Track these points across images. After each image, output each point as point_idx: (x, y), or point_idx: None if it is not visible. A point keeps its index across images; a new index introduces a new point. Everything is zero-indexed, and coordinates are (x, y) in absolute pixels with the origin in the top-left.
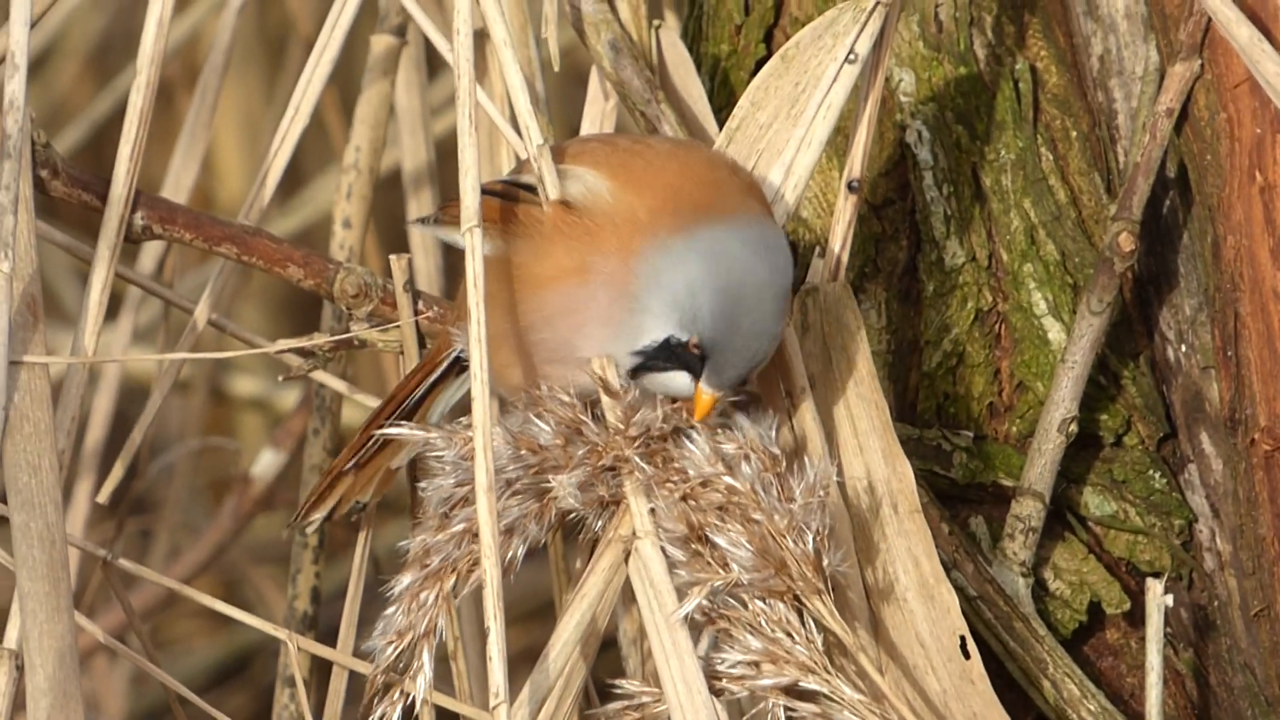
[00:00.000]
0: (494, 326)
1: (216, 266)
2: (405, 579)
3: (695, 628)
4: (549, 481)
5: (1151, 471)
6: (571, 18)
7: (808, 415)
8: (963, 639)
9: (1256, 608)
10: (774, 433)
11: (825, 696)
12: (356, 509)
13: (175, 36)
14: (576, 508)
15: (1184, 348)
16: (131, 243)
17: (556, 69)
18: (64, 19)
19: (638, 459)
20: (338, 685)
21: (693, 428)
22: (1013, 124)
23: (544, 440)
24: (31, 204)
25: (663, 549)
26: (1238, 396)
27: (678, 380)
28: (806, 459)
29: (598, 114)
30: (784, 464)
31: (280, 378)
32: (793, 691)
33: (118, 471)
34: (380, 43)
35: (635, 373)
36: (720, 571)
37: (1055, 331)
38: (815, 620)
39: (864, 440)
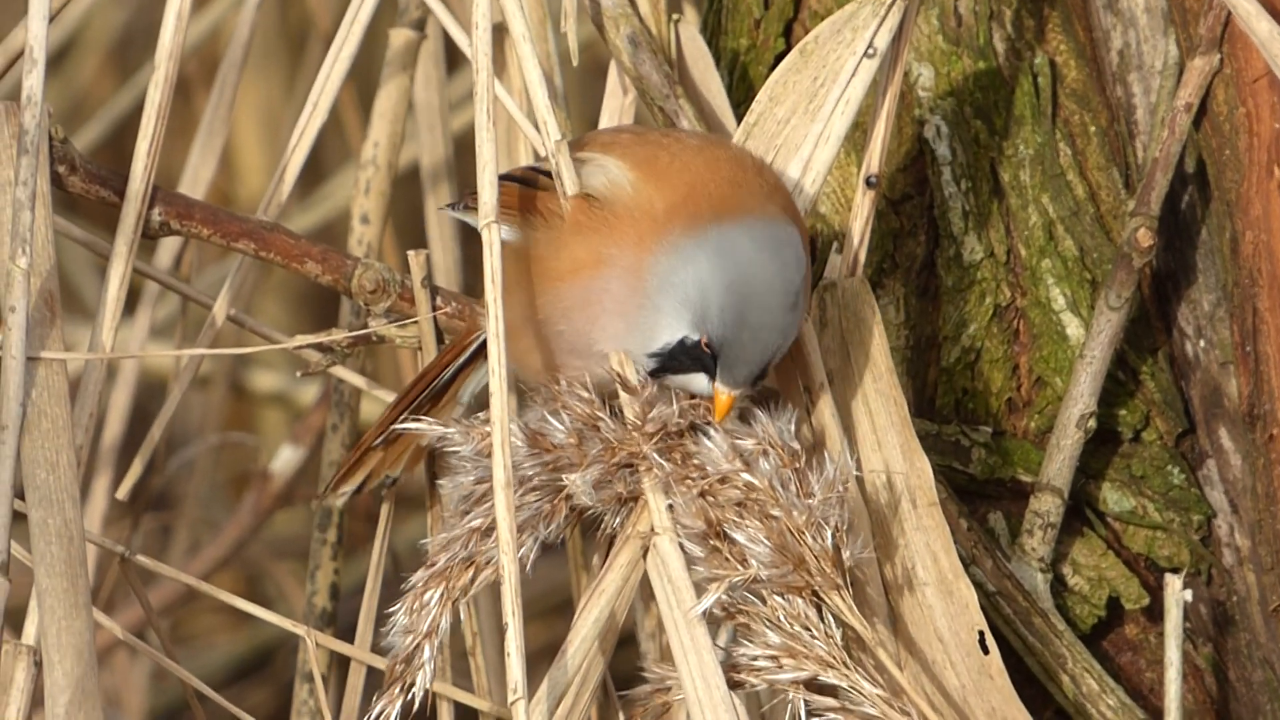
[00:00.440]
0: (514, 315)
1: (235, 262)
2: (416, 577)
3: (714, 622)
4: (564, 479)
5: (1170, 467)
6: (591, 12)
7: (826, 411)
8: (981, 634)
9: (1275, 603)
10: (793, 428)
11: (844, 691)
12: (386, 483)
13: (195, 32)
14: (592, 505)
15: (1202, 343)
16: (149, 238)
17: (575, 63)
18: (84, 13)
19: (655, 455)
20: (356, 681)
21: (708, 423)
22: (1031, 119)
23: (558, 438)
24: (49, 200)
25: (681, 545)
26: (1256, 392)
27: (697, 381)
28: (825, 454)
29: (616, 108)
30: (803, 459)
31: (299, 373)
32: (812, 686)
33: (136, 467)
34: (399, 37)
35: (655, 374)
36: (739, 567)
37: (1074, 327)
38: (834, 615)
39: (882, 436)
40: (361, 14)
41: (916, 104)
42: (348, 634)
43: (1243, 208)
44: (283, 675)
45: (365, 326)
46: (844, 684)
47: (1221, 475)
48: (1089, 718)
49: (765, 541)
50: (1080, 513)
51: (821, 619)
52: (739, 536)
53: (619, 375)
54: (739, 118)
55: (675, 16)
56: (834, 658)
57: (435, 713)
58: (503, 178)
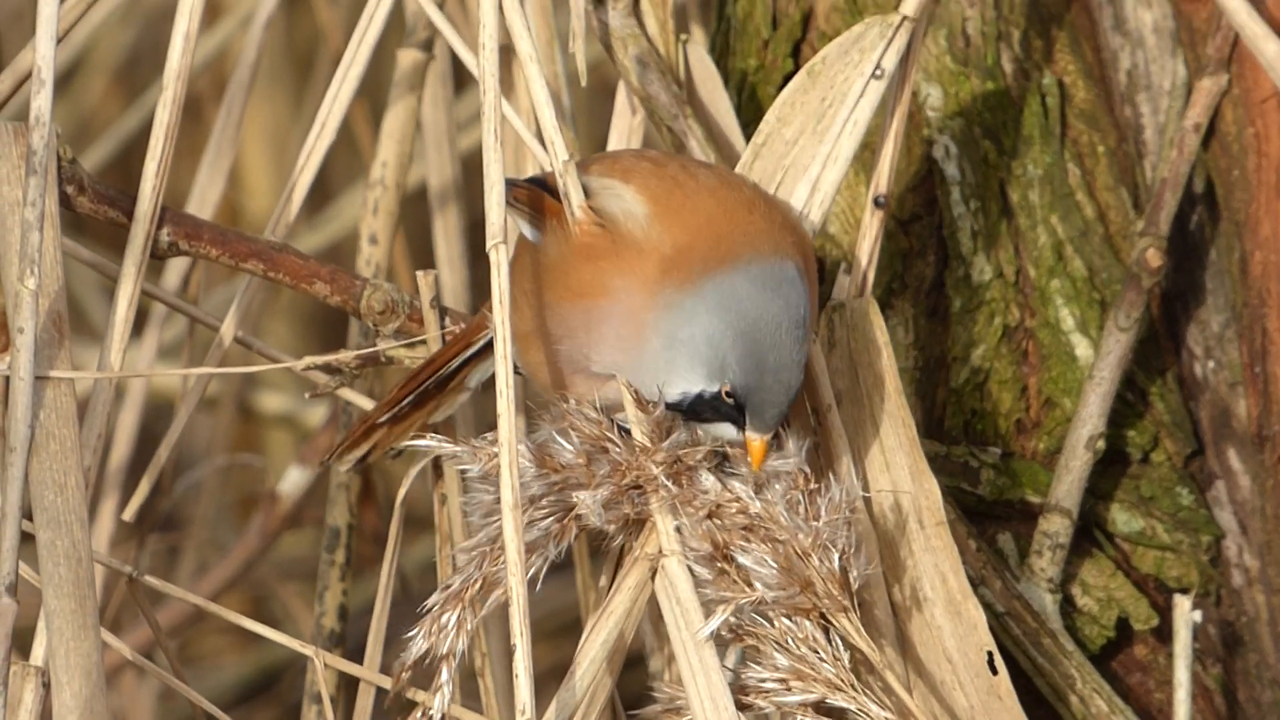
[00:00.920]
0: (524, 325)
1: (243, 282)
2: (431, 599)
3: (722, 644)
4: (573, 498)
5: (1179, 488)
6: (599, 32)
7: (834, 432)
8: (990, 655)
9: None
10: (803, 450)
11: (853, 714)
12: (392, 454)
13: (202, 52)
14: (601, 525)
15: (1211, 364)
16: (157, 259)
17: (584, 83)
18: (91, 34)
19: (663, 478)
20: (365, 702)
21: (732, 469)
22: (1040, 139)
23: (567, 458)
24: (57, 220)
25: (689, 567)
26: (1265, 412)
27: (725, 430)
28: (832, 476)
29: (625, 129)
30: (813, 481)
31: (307, 394)
32: (820, 708)
33: (144, 488)
34: (407, 57)
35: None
36: (746, 589)
37: (1083, 348)
38: (842, 637)
39: (891, 457)
40: (369, 34)
41: (925, 124)
42: (356, 655)
43: (1251, 228)
44: (290, 696)
45: (373, 347)
46: (852, 706)
47: (1230, 496)
48: None
49: (771, 564)
50: (1089, 533)
51: (829, 641)
52: (745, 560)
53: (632, 393)
54: (747, 138)
55: (683, 37)
56: (842, 680)
57: None
58: (529, 180)
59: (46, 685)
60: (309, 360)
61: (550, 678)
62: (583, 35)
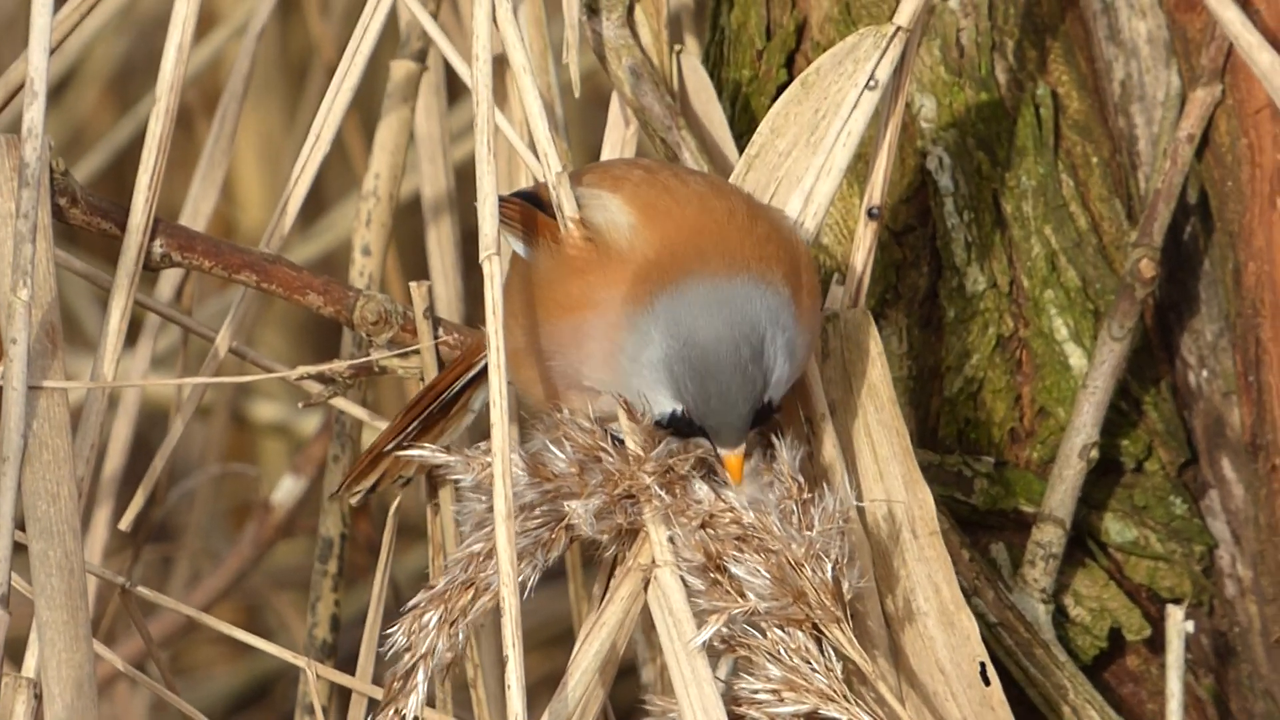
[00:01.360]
0: (516, 342)
1: (237, 293)
2: (416, 598)
3: (714, 655)
4: (565, 507)
5: (1172, 497)
6: (593, 43)
7: (828, 442)
8: (983, 665)
9: (1277, 634)
10: (797, 459)
11: None
12: (400, 482)
13: (195, 63)
14: (593, 535)
15: (1205, 373)
16: (150, 270)
17: (577, 94)
18: (84, 44)
19: (656, 488)
20: (357, 713)
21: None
22: (1034, 150)
23: (559, 467)
24: (50, 232)
25: (682, 578)
26: (1259, 422)
27: (708, 444)
28: (826, 486)
29: (618, 139)
30: (807, 491)
31: (300, 404)
32: (813, 719)
33: (138, 499)
34: (400, 68)
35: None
36: (739, 600)
37: (1076, 357)
38: (834, 648)
39: (884, 466)
40: (363, 45)
41: (919, 135)
42: (348, 665)
43: (1245, 239)
44: (283, 706)
45: (367, 357)
46: (845, 718)
47: (1224, 506)
48: None
49: (764, 574)
50: (1082, 543)
51: (822, 652)
52: (738, 570)
53: (623, 404)
54: (741, 149)
55: (677, 47)
56: (835, 691)
57: None
58: (519, 195)
59: (38, 697)
60: (302, 370)
61: (543, 688)
62: (576, 46)
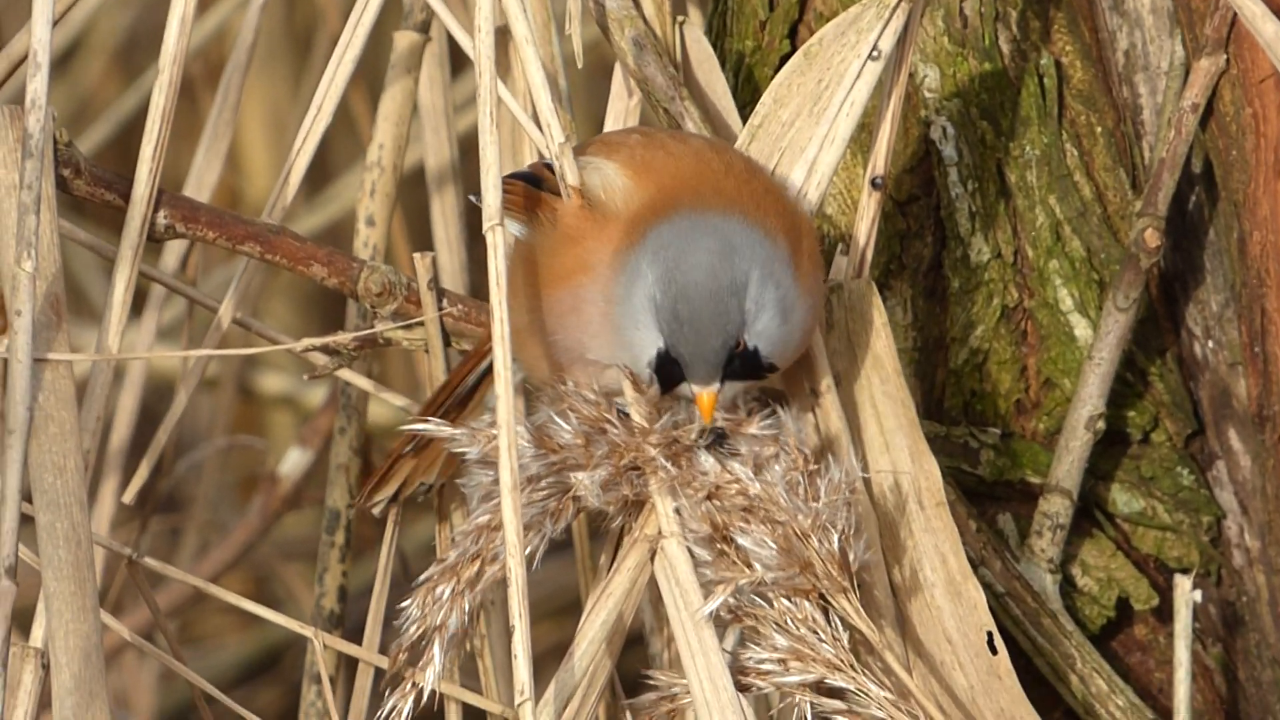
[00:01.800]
0: (520, 320)
1: (241, 264)
2: (429, 571)
3: (721, 625)
4: (571, 479)
5: (1179, 468)
6: (595, 14)
7: (833, 413)
8: (990, 635)
9: None
10: (802, 430)
11: (852, 694)
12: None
13: (199, 35)
14: (600, 506)
15: (1211, 344)
16: (155, 241)
17: (580, 65)
18: (88, 16)
19: (662, 459)
20: (364, 682)
21: (718, 434)
22: (1038, 120)
23: (565, 439)
24: (54, 203)
25: (688, 549)
26: (1265, 392)
27: (685, 389)
28: (831, 457)
29: (621, 110)
30: (813, 462)
31: (306, 376)
32: (820, 689)
33: (144, 470)
34: (404, 39)
35: (664, 391)
36: (745, 570)
37: (1082, 328)
38: (841, 618)
39: (890, 438)
40: (366, 16)
41: (922, 105)
42: (355, 635)
43: (1250, 208)
44: (291, 676)
45: (372, 329)
46: (851, 687)
47: (1231, 476)
48: (1098, 718)
49: (771, 545)
50: (1089, 514)
51: (829, 622)
52: (745, 541)
53: (629, 374)
54: (744, 119)
55: (680, 18)
56: (841, 660)
57: (443, 713)
58: (513, 176)
59: (46, 667)
60: (307, 342)
61: (549, 658)
62: (579, 17)
